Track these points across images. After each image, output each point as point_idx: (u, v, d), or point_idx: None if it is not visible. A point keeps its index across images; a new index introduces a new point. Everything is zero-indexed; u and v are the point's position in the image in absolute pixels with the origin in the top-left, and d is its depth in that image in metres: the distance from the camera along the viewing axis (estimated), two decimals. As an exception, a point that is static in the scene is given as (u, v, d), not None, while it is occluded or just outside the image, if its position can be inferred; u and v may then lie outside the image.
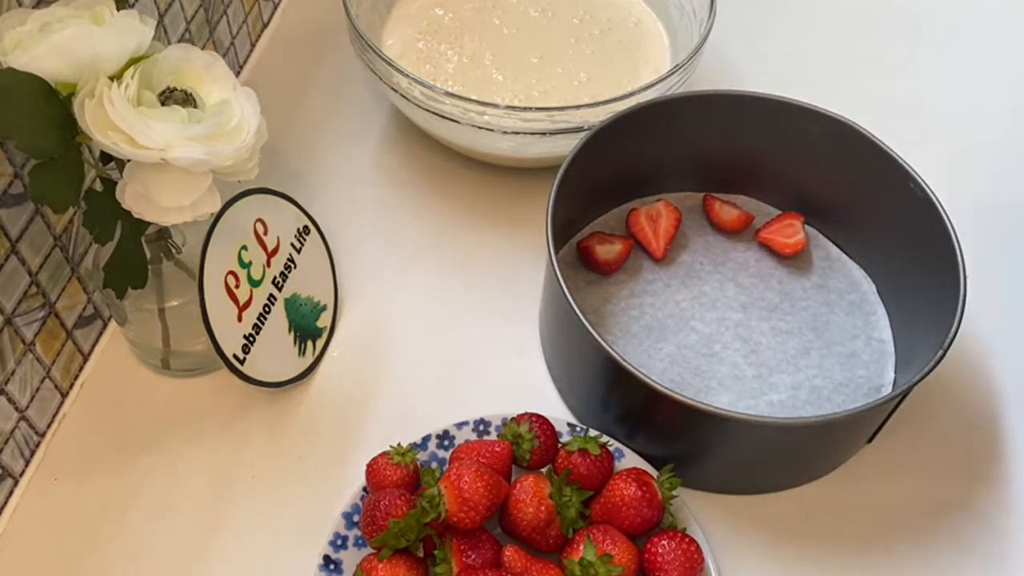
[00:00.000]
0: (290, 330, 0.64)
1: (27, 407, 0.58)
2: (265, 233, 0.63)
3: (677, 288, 0.69)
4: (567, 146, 0.65)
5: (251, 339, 0.60)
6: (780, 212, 0.73)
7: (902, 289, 0.66)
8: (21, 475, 0.59)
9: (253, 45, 0.86)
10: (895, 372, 0.65)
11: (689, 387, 0.63)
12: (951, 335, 0.55)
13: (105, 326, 0.66)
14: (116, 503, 0.59)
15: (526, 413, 0.58)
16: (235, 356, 0.59)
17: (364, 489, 0.57)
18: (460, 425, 0.60)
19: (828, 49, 0.90)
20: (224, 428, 0.62)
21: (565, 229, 0.70)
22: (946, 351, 0.55)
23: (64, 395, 0.63)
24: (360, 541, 0.55)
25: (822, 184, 0.70)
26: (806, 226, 0.71)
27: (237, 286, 0.60)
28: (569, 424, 0.60)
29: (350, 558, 0.55)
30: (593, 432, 0.58)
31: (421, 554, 0.53)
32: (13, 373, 0.56)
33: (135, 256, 0.53)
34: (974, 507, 0.61)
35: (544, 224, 0.60)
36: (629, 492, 0.54)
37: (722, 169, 0.73)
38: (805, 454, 0.60)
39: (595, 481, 0.56)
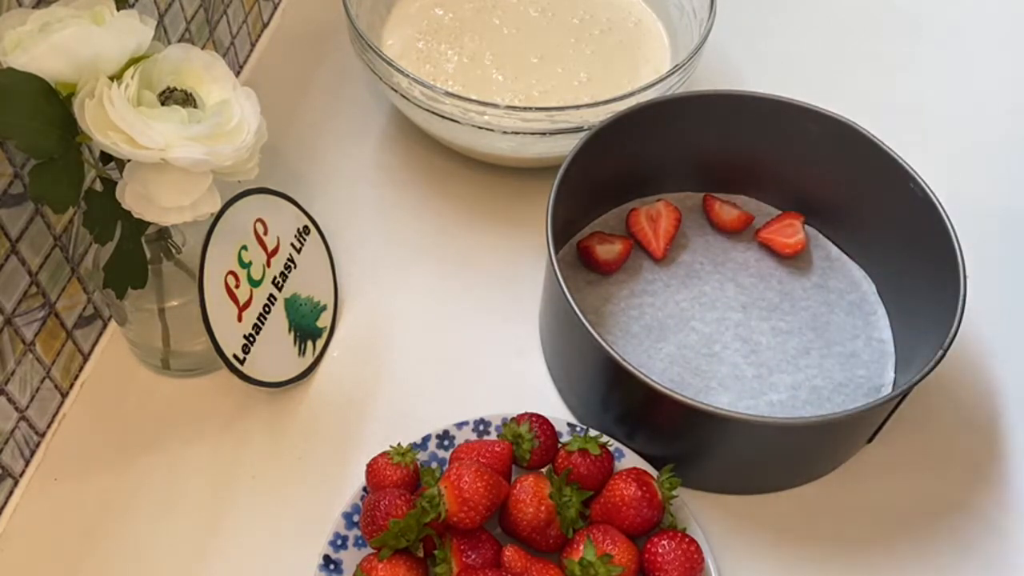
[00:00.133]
0: (290, 330, 0.64)
1: (27, 407, 0.58)
2: (265, 233, 0.63)
3: (677, 288, 0.69)
4: (567, 146, 0.65)
5: (251, 339, 0.60)
6: (780, 212, 0.73)
7: (902, 289, 0.66)
8: (21, 475, 0.59)
9: (253, 45, 0.86)
10: (895, 372, 0.65)
11: (689, 387, 0.63)
12: (951, 335, 0.55)
13: (105, 326, 0.66)
14: (116, 503, 0.59)
15: (526, 413, 0.58)
16: (235, 356, 0.59)
17: (364, 489, 0.57)
18: (460, 425, 0.60)
19: (828, 49, 0.90)
20: (224, 428, 0.62)
21: (565, 229, 0.70)
22: (946, 351, 0.55)
23: (64, 395, 0.63)
24: (360, 541, 0.55)
25: (822, 184, 0.70)
26: (806, 226, 0.71)
27: (237, 286, 0.60)
28: (569, 424, 0.60)
29: (350, 558, 0.55)
30: (593, 432, 0.58)
31: (421, 554, 0.53)
32: (13, 373, 0.56)
33: (135, 256, 0.53)
34: (974, 507, 0.61)
35: (544, 224, 0.60)
36: (629, 492, 0.54)
37: (722, 169, 0.73)
38: (805, 454, 0.60)
39: (595, 481, 0.56)
